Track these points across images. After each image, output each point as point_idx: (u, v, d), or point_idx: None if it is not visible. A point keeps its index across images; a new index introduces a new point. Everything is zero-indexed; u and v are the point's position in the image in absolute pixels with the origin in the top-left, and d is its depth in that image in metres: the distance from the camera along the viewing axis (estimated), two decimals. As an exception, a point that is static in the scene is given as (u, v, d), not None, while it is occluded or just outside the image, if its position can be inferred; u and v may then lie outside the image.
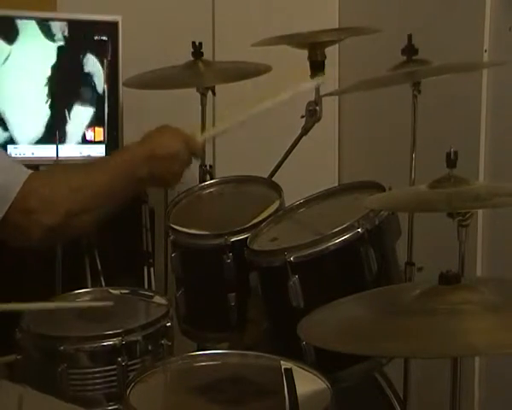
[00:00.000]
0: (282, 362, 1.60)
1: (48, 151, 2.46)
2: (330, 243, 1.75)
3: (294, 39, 2.16)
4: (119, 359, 1.74)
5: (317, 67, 2.13)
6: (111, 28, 2.53)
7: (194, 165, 2.32)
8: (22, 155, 2.45)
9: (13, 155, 2.43)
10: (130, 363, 1.75)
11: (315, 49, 2.12)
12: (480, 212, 2.29)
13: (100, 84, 2.55)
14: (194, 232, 2.02)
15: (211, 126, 2.36)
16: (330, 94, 2.32)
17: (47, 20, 2.51)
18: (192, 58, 2.41)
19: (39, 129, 2.50)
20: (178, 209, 2.15)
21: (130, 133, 2.47)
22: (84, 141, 2.55)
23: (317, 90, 2.15)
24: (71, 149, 2.52)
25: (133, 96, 2.53)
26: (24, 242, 1.66)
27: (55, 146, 2.37)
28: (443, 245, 2.01)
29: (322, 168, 2.96)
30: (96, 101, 2.55)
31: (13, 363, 1.80)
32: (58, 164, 2.29)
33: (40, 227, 1.62)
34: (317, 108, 2.15)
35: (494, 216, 2.32)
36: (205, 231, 2.01)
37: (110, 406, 1.74)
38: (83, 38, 2.52)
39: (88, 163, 1.82)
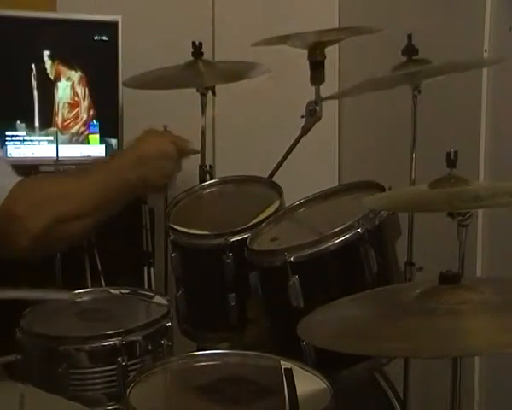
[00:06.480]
0: (282, 362, 1.60)
1: (48, 151, 2.47)
2: (330, 243, 1.75)
3: (294, 39, 2.16)
4: (119, 359, 1.73)
5: (317, 67, 2.13)
6: (111, 28, 2.53)
7: (195, 165, 2.33)
8: (22, 155, 2.45)
9: (13, 155, 2.43)
10: (130, 363, 1.74)
11: (315, 49, 2.12)
12: (480, 212, 2.29)
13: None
14: (194, 232, 2.02)
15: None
16: (331, 97, 2.32)
17: (47, 20, 2.51)
18: (192, 58, 2.41)
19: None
20: (178, 209, 2.14)
21: (130, 133, 2.48)
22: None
23: (318, 90, 2.15)
24: (71, 149, 2.52)
25: (133, 96, 2.53)
26: (12, 251, 1.66)
27: (54, 146, 2.36)
28: (443, 245, 2.01)
29: (322, 168, 2.96)
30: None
31: (13, 363, 1.80)
32: (44, 173, 2.29)
33: (26, 234, 1.63)
34: (317, 108, 2.15)
35: (494, 216, 2.32)
36: (205, 231, 2.01)
37: (110, 406, 1.73)
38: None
39: (78, 170, 1.82)
